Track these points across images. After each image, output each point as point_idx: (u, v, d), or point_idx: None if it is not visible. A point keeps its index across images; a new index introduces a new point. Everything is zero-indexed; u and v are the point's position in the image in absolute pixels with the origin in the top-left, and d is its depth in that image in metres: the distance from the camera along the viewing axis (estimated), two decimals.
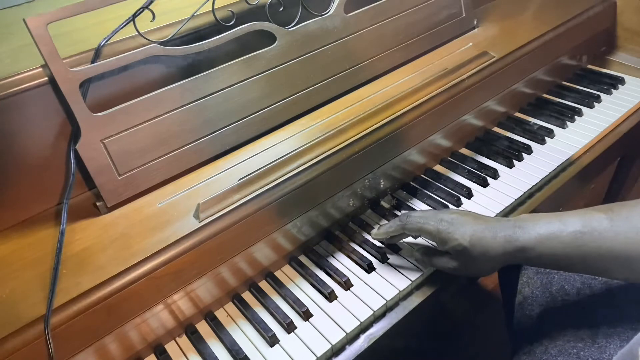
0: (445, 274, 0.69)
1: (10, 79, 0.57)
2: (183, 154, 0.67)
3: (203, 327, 0.66)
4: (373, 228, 0.76)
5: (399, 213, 0.78)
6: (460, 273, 0.65)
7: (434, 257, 0.66)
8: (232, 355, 0.62)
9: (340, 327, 0.63)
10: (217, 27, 0.67)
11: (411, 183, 0.84)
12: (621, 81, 1.05)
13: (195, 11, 0.65)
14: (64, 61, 0.57)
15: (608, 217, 0.55)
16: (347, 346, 0.63)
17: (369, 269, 0.70)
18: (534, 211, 0.80)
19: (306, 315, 0.65)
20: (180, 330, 0.65)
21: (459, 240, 0.61)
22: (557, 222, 0.57)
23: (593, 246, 0.54)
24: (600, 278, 0.68)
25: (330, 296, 0.66)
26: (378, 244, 0.74)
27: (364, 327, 0.64)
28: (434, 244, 0.66)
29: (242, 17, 0.68)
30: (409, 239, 0.73)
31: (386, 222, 0.74)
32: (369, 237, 0.75)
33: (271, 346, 0.62)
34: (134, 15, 0.61)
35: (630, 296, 0.65)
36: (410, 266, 0.70)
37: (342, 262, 0.72)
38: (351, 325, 0.63)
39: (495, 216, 0.77)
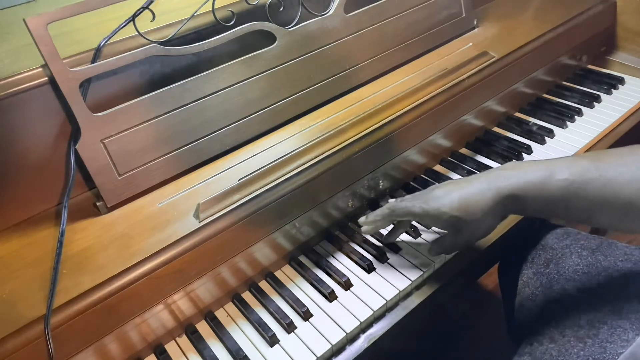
0: (445, 272, 0.69)
1: (10, 79, 0.57)
2: (183, 154, 0.67)
3: (203, 327, 0.66)
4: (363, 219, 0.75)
5: None
6: (468, 242, 0.64)
7: (440, 243, 0.66)
8: (232, 355, 0.62)
9: (340, 327, 0.63)
10: (217, 27, 0.67)
11: (411, 183, 0.84)
12: (621, 81, 1.05)
13: (195, 11, 0.65)
14: (64, 61, 0.57)
15: (595, 164, 0.54)
16: (347, 346, 0.63)
17: (369, 269, 0.70)
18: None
19: (306, 315, 0.65)
20: (180, 330, 0.65)
21: (448, 212, 0.61)
22: (545, 169, 0.56)
23: (582, 194, 0.54)
24: (600, 277, 0.68)
25: (330, 296, 0.66)
26: (378, 243, 0.74)
27: (364, 327, 0.64)
28: (432, 229, 0.66)
29: (242, 17, 0.68)
30: (409, 239, 0.73)
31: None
32: (369, 237, 0.75)
33: (271, 346, 0.62)
34: (134, 15, 0.61)
35: (631, 296, 0.65)
36: (410, 266, 0.70)
37: (342, 262, 0.72)
38: (351, 325, 0.63)
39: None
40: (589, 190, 0.54)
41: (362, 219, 0.71)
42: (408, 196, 0.67)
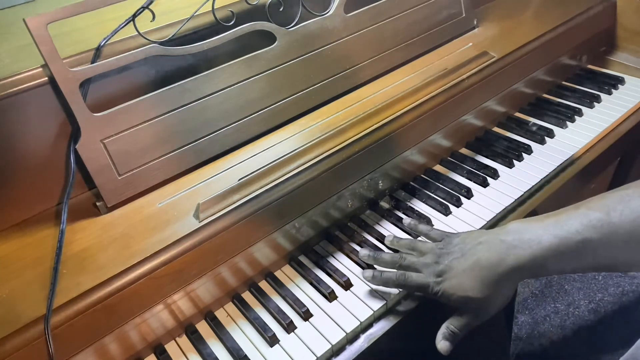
0: None
1: (10, 79, 0.57)
2: (183, 154, 0.67)
3: (203, 327, 0.66)
4: (373, 228, 0.76)
5: (398, 213, 0.78)
6: (486, 318, 0.61)
7: (455, 327, 0.62)
8: (232, 355, 0.62)
9: (340, 327, 0.63)
10: (217, 27, 0.67)
11: (411, 183, 0.84)
12: (621, 81, 1.05)
13: (195, 11, 0.65)
14: (64, 61, 0.57)
15: (606, 214, 0.53)
16: (347, 346, 0.63)
17: (369, 268, 0.70)
18: (534, 211, 0.80)
19: (306, 315, 0.65)
20: (180, 330, 0.65)
21: (471, 296, 0.58)
22: (558, 231, 0.54)
23: (601, 252, 0.53)
24: (601, 277, 0.68)
25: (330, 296, 0.66)
26: (378, 243, 0.74)
27: (364, 327, 0.64)
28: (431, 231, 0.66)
29: (242, 17, 0.68)
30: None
31: (402, 216, 0.73)
32: (369, 237, 0.75)
33: (271, 346, 0.62)
34: (134, 15, 0.61)
35: (631, 297, 0.65)
36: None
37: (342, 262, 0.72)
38: (351, 325, 0.63)
39: (495, 216, 0.76)
40: (606, 243, 0.53)
41: (367, 274, 0.66)
42: (415, 257, 0.64)
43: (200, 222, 0.61)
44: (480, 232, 0.62)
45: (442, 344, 0.62)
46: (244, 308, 0.67)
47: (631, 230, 0.52)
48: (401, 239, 0.69)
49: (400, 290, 0.66)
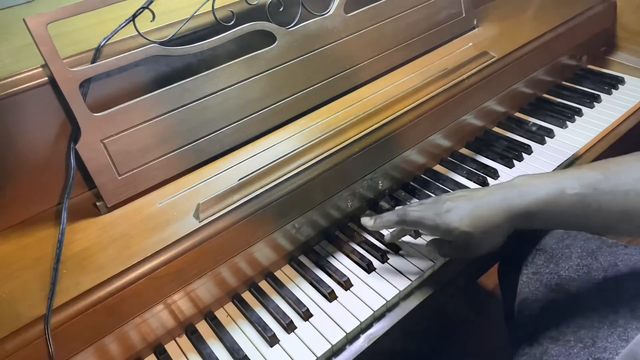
0: (445, 272, 0.69)
1: (10, 79, 0.57)
2: (183, 154, 0.67)
3: (203, 327, 0.66)
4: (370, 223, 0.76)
5: None
6: (473, 255, 0.64)
7: (444, 249, 0.66)
8: (232, 355, 0.62)
9: (340, 327, 0.63)
10: (217, 27, 0.67)
11: (411, 183, 0.84)
12: (621, 81, 1.05)
13: (195, 11, 0.65)
14: (64, 61, 0.57)
15: (604, 175, 0.54)
16: (347, 346, 0.63)
17: (369, 269, 0.70)
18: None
19: (306, 315, 0.65)
20: (180, 330, 0.65)
21: (459, 228, 0.61)
22: (555, 184, 0.57)
23: (594, 206, 0.54)
24: (600, 277, 0.68)
25: (330, 296, 0.66)
26: (378, 243, 0.74)
27: (364, 327, 0.64)
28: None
29: (242, 17, 0.68)
30: (410, 239, 0.73)
31: (376, 214, 0.73)
32: (369, 237, 0.75)
33: (271, 346, 0.62)
34: (134, 15, 0.61)
35: (631, 296, 0.65)
36: (410, 266, 0.70)
37: (342, 262, 0.72)
38: (351, 325, 0.63)
39: None
40: (602, 202, 0.54)
41: (366, 221, 0.72)
42: (417, 205, 0.67)
43: (200, 222, 0.61)
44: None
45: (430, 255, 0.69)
46: (244, 308, 0.67)
47: (627, 192, 0.53)
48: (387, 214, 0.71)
49: (400, 290, 0.66)
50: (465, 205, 0.62)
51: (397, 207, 0.71)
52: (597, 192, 0.54)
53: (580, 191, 0.55)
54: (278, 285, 0.69)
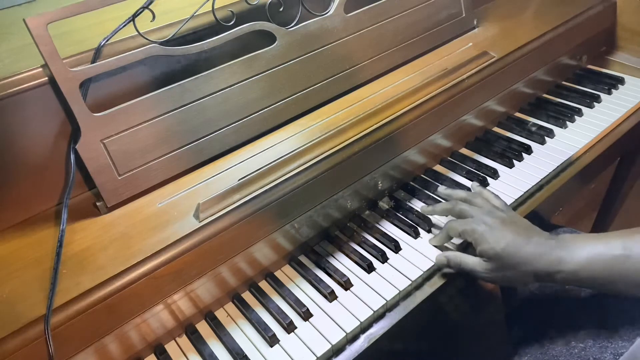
0: (446, 272, 0.69)
1: (10, 79, 0.57)
2: (183, 154, 0.67)
3: (203, 327, 0.66)
4: (373, 228, 0.76)
5: (398, 213, 0.78)
6: (489, 279, 0.64)
7: (465, 258, 0.66)
8: (232, 355, 0.62)
9: (340, 327, 0.63)
10: (217, 27, 0.67)
11: (411, 183, 0.84)
12: (621, 81, 1.05)
13: (195, 11, 0.65)
14: (64, 61, 0.57)
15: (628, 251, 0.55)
16: (347, 346, 0.63)
17: (369, 269, 0.70)
18: (534, 212, 0.80)
19: (306, 315, 0.65)
20: (180, 330, 0.65)
21: (491, 245, 0.61)
22: (600, 245, 0.57)
23: (634, 269, 0.55)
24: None
25: (330, 296, 0.66)
26: (378, 244, 0.74)
27: (364, 327, 0.64)
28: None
29: (242, 17, 0.68)
30: (407, 238, 0.73)
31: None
32: (369, 237, 0.75)
33: (271, 346, 0.62)
34: (134, 15, 0.61)
35: (631, 298, 0.65)
36: (410, 266, 0.70)
37: (342, 262, 0.72)
38: (351, 325, 0.63)
39: None
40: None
41: (424, 207, 0.75)
42: (468, 205, 0.68)
43: (200, 222, 0.61)
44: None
45: (441, 258, 0.68)
46: (244, 308, 0.67)
47: None
48: (456, 190, 0.74)
49: (400, 290, 0.66)
50: (510, 232, 0.62)
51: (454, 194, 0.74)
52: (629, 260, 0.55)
53: (622, 252, 0.56)
54: (278, 285, 0.69)
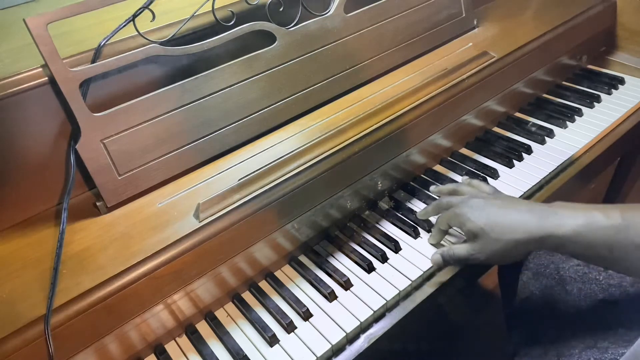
0: (446, 272, 0.69)
1: (10, 79, 0.57)
2: (183, 154, 0.67)
3: (203, 327, 0.66)
4: (373, 228, 0.76)
5: (398, 213, 0.78)
6: (482, 260, 0.64)
7: (455, 247, 0.66)
8: (232, 355, 0.62)
9: (340, 327, 0.63)
10: (217, 27, 0.67)
11: (411, 183, 0.84)
12: (621, 81, 1.05)
13: (195, 11, 0.65)
14: (64, 61, 0.57)
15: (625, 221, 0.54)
16: (347, 346, 0.63)
17: (369, 269, 0.70)
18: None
19: (306, 315, 0.65)
20: (180, 330, 0.65)
21: (474, 222, 0.62)
22: (598, 213, 0.57)
23: (636, 241, 0.54)
24: (601, 277, 0.68)
25: (330, 296, 0.66)
26: (378, 244, 0.74)
27: (364, 327, 0.64)
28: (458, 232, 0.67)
29: (242, 17, 0.68)
30: (407, 238, 0.73)
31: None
32: (369, 237, 0.75)
33: (271, 346, 0.62)
34: (134, 15, 0.61)
35: (632, 298, 0.65)
36: (410, 266, 0.70)
37: (342, 262, 0.72)
38: (351, 325, 0.63)
39: None
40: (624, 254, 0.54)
41: (418, 213, 0.75)
42: (456, 197, 0.69)
43: (200, 222, 0.61)
44: None
45: (436, 257, 0.68)
46: (244, 308, 0.67)
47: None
48: (446, 184, 0.75)
49: (400, 290, 0.66)
50: (492, 207, 0.62)
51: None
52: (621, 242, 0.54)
53: (622, 222, 0.55)
54: (278, 285, 0.69)
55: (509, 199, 0.66)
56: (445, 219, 0.68)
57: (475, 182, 0.73)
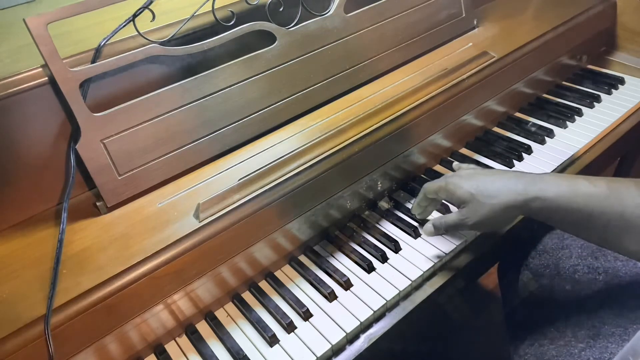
0: (446, 272, 0.69)
1: (10, 79, 0.57)
2: (183, 154, 0.67)
3: (203, 327, 0.66)
4: (373, 228, 0.76)
5: (398, 213, 0.78)
6: (472, 224, 0.64)
7: (446, 216, 0.67)
8: (232, 355, 0.62)
9: (340, 327, 0.63)
10: (217, 27, 0.67)
11: (411, 183, 0.84)
12: (621, 81, 1.05)
13: (195, 11, 0.65)
14: (64, 61, 0.57)
15: (638, 187, 0.55)
16: (347, 346, 0.63)
17: (369, 269, 0.70)
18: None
19: (306, 315, 0.65)
20: (180, 330, 0.65)
21: (464, 188, 0.62)
22: (583, 180, 0.57)
23: (617, 210, 0.54)
24: (601, 277, 0.68)
25: (330, 296, 0.66)
26: (378, 244, 0.74)
27: (364, 327, 0.64)
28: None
29: (242, 17, 0.68)
30: (407, 238, 0.73)
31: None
32: (369, 237, 0.75)
33: (271, 346, 0.62)
34: (134, 15, 0.61)
35: (631, 297, 0.65)
36: (410, 266, 0.70)
37: (342, 262, 0.72)
38: (351, 325, 0.63)
39: None
40: (625, 206, 0.54)
41: (411, 208, 0.75)
42: (437, 179, 0.69)
43: (200, 222, 0.61)
44: None
45: (427, 226, 0.69)
46: (244, 308, 0.67)
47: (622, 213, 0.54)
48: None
49: (400, 290, 0.66)
50: (481, 174, 0.64)
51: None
52: (624, 197, 0.55)
53: (607, 192, 0.55)
54: (278, 285, 0.69)
55: (497, 170, 0.67)
56: (434, 187, 0.67)
57: (465, 165, 0.75)
